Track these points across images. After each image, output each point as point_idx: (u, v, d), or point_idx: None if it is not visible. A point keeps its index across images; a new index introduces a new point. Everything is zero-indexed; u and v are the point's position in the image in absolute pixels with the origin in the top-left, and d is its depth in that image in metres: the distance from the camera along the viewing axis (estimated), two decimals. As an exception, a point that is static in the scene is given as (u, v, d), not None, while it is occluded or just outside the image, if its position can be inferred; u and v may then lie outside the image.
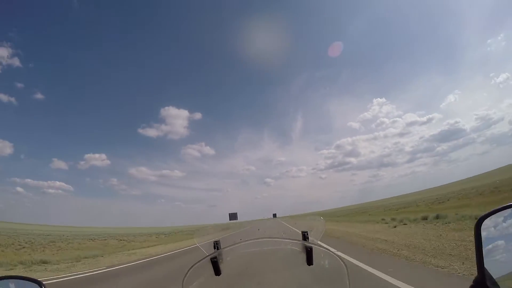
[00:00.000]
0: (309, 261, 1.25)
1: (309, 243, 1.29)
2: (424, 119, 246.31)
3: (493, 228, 1.12)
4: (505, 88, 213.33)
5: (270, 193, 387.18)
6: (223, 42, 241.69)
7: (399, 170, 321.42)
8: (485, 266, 1.05)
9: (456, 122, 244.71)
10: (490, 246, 1.10)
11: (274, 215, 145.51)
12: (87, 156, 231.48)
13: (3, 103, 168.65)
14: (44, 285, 1.29)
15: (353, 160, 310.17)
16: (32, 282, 1.32)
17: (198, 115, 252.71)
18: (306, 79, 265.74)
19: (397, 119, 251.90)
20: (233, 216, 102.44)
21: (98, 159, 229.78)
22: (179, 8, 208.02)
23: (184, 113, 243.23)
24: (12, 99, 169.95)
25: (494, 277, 1.03)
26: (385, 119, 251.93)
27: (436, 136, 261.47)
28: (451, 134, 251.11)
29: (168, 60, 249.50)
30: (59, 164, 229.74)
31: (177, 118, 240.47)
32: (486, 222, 1.11)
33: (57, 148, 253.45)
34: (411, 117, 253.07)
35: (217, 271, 1.23)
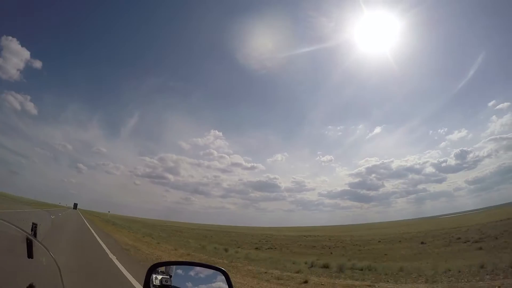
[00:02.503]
0: (29, 254, 1.21)
1: (31, 236, 1.23)
2: (249, 165, 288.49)
3: (160, 274, 1.37)
4: (325, 167, 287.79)
5: (80, 180, 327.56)
6: (91, 8, 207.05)
7: (211, 201, 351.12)
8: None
9: (275, 178, 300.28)
10: None
11: (75, 206, 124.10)
12: None
13: None
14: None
15: (171, 177, 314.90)
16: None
17: (38, 64, 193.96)
18: (161, 83, 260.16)
19: (225, 156, 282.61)
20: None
21: None
22: None
23: (26, 53, 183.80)
24: None
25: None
26: (215, 152, 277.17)
27: (253, 183, 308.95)
28: (267, 186, 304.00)
29: None
30: None
31: (15, 55, 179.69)
32: (159, 269, 1.39)
33: None
34: (238, 158, 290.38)
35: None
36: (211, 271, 1.47)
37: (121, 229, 29.54)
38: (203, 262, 1.68)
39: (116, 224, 39.25)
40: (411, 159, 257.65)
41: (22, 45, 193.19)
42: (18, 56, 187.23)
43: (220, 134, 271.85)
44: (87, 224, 29.39)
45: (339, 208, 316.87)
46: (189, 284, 1.42)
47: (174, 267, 1.49)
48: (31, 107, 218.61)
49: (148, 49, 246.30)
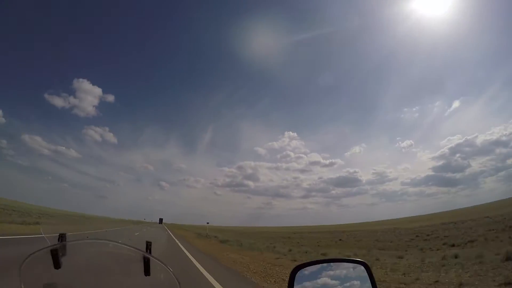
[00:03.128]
0: (146, 272, 1.28)
1: (148, 254, 1.31)
2: (327, 162, 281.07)
3: (304, 277, 1.26)
4: (406, 153, 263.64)
5: (163, 196, 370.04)
6: (153, 33, 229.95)
7: (292, 203, 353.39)
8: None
9: (355, 172, 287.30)
10: None
11: (161, 220, 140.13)
12: None
13: None
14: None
15: (251, 183, 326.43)
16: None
17: (111, 98, 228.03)
18: (226, 96, 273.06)
19: (303, 155, 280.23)
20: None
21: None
22: None
23: (98, 90, 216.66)
24: None
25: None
26: (291, 153, 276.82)
27: (333, 179, 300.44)
28: (347, 181, 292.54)
29: (89, 29, 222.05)
30: None
31: (89, 94, 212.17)
32: (301, 271, 1.25)
33: None
34: (315, 157, 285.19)
35: (57, 264, 1.22)
36: (348, 265, 1.42)
37: (226, 247, 21.01)
38: (340, 257, 1.56)
39: (210, 237, 33.09)
40: (496, 131, 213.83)
41: (93, 84, 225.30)
42: (91, 94, 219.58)
43: (295, 134, 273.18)
44: (178, 243, 21.61)
45: (424, 196, 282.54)
46: (329, 282, 1.34)
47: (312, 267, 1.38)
48: (110, 137, 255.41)
49: (211, 68, 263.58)
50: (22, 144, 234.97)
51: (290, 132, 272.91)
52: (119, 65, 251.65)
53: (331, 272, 1.28)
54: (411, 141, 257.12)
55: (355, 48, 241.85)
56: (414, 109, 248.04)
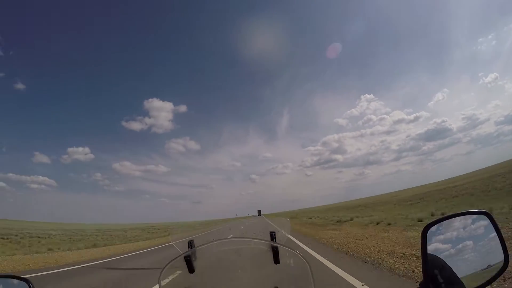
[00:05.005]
0: (276, 260, 1.35)
1: (275, 243, 1.39)
2: (412, 117, 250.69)
3: (438, 236, 1.25)
4: (493, 88, 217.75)
5: (256, 189, 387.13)
6: (209, 35, 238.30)
7: (385, 169, 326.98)
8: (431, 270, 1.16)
9: (443, 121, 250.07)
10: (437, 252, 1.22)
11: (259, 212, 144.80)
12: (70, 150, 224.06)
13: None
14: (31, 283, 1.28)
15: (339, 157, 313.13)
16: (21, 280, 1.30)
17: (183, 108, 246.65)
18: (292, 75, 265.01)
19: (385, 116, 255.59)
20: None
21: (81, 153, 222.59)
22: (168, 2, 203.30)
23: (169, 105, 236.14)
24: None
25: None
26: (373, 116, 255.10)
27: (422, 135, 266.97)
28: (437, 133, 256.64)
29: (152, 51, 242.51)
30: (42, 158, 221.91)
31: (161, 110, 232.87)
32: (432, 229, 1.24)
33: (39, 141, 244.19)
34: (398, 114, 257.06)
35: (191, 269, 1.33)
36: (472, 217, 1.31)
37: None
38: (463, 211, 1.43)
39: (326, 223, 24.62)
40: None
41: (163, 100, 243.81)
42: (164, 110, 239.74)
43: (371, 96, 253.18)
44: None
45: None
46: (457, 235, 1.30)
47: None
48: (192, 144, 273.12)
49: (271, 55, 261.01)
50: (114, 173, 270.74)
51: (366, 94, 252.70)
52: (182, 75, 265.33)
53: (458, 226, 1.32)
54: (495, 73, 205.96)
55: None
56: (489, 36, 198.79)
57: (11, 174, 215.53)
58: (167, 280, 1.23)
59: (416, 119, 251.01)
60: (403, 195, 77.84)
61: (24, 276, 1.31)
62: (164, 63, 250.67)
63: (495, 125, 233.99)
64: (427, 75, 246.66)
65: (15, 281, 1.31)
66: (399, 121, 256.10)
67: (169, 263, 1.23)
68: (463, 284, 1.14)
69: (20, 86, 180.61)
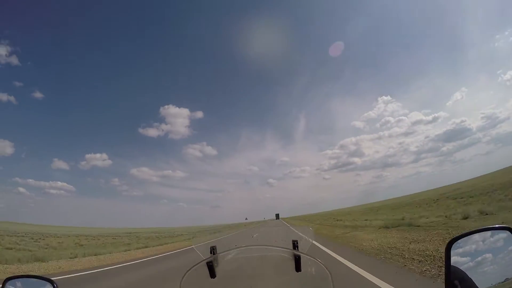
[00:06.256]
0: (297, 268, 1.35)
1: (298, 251, 1.42)
2: (430, 118, 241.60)
3: (462, 249, 1.31)
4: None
5: (273, 193, 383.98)
6: (224, 40, 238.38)
7: (404, 171, 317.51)
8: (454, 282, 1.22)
9: (462, 121, 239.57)
10: (459, 264, 1.28)
11: (277, 216, 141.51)
12: (88, 156, 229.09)
13: (2, 102, 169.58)
14: (56, 283, 1.33)
15: (357, 160, 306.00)
16: (45, 281, 1.36)
17: (199, 114, 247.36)
18: (309, 79, 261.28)
19: (403, 117, 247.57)
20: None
21: (99, 159, 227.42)
22: (180, 6, 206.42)
23: (185, 111, 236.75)
24: (12, 98, 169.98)
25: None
26: (390, 118, 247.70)
27: (441, 135, 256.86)
28: (456, 134, 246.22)
29: (167, 58, 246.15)
30: (60, 164, 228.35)
31: (177, 117, 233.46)
32: (458, 243, 1.30)
33: (58, 148, 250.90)
34: (416, 115, 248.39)
35: (213, 274, 1.35)
36: (496, 233, 1.33)
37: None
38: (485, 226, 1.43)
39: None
40: None
41: (179, 107, 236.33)
42: (180, 116, 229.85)
43: (389, 98, 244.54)
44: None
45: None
46: (482, 251, 1.32)
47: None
48: (209, 150, 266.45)
49: (287, 56, 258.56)
50: (132, 178, 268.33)
51: (383, 96, 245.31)
52: (198, 81, 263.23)
53: (478, 239, 1.37)
54: None
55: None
56: (506, 32, 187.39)
57: (30, 180, 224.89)
58: (189, 285, 1.27)
59: (435, 119, 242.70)
60: (423, 196, 75.68)
61: (48, 277, 1.38)
62: (180, 69, 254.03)
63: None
64: (445, 75, 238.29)
65: (40, 281, 1.38)
66: (417, 122, 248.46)
67: (191, 268, 1.26)
68: None
69: (38, 95, 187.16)
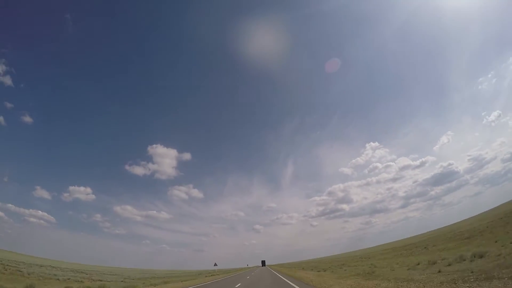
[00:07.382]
0: None
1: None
2: (418, 162, 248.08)
3: None
4: (497, 126, 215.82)
5: (259, 239, 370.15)
6: (213, 82, 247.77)
7: (392, 216, 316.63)
8: None
9: (449, 165, 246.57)
10: None
11: (263, 263, 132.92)
12: (71, 188, 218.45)
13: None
14: None
15: (345, 206, 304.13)
16: None
17: (187, 156, 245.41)
18: (297, 124, 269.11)
19: (390, 163, 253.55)
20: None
21: (83, 192, 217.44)
22: (168, 44, 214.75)
23: (173, 152, 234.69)
24: (1, 118, 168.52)
25: None
26: (378, 164, 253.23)
27: (429, 179, 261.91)
28: (444, 177, 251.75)
29: (157, 97, 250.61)
30: (42, 193, 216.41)
31: (165, 157, 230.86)
32: None
33: (41, 175, 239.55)
34: (404, 161, 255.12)
35: None
36: None
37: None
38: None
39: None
40: None
41: (167, 147, 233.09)
42: (167, 157, 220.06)
43: (376, 144, 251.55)
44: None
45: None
46: None
47: None
48: (196, 192, 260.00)
49: (275, 102, 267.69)
50: (115, 216, 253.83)
51: (371, 142, 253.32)
52: (187, 122, 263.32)
53: None
54: (498, 111, 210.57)
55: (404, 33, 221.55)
56: (489, 75, 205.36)
57: (10, 205, 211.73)
58: None
59: (422, 164, 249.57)
60: (407, 242, 75.14)
61: None
62: (169, 109, 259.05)
63: (502, 162, 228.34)
64: (431, 119, 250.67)
65: None
66: (405, 167, 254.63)
67: None
68: None
69: (28, 119, 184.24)
